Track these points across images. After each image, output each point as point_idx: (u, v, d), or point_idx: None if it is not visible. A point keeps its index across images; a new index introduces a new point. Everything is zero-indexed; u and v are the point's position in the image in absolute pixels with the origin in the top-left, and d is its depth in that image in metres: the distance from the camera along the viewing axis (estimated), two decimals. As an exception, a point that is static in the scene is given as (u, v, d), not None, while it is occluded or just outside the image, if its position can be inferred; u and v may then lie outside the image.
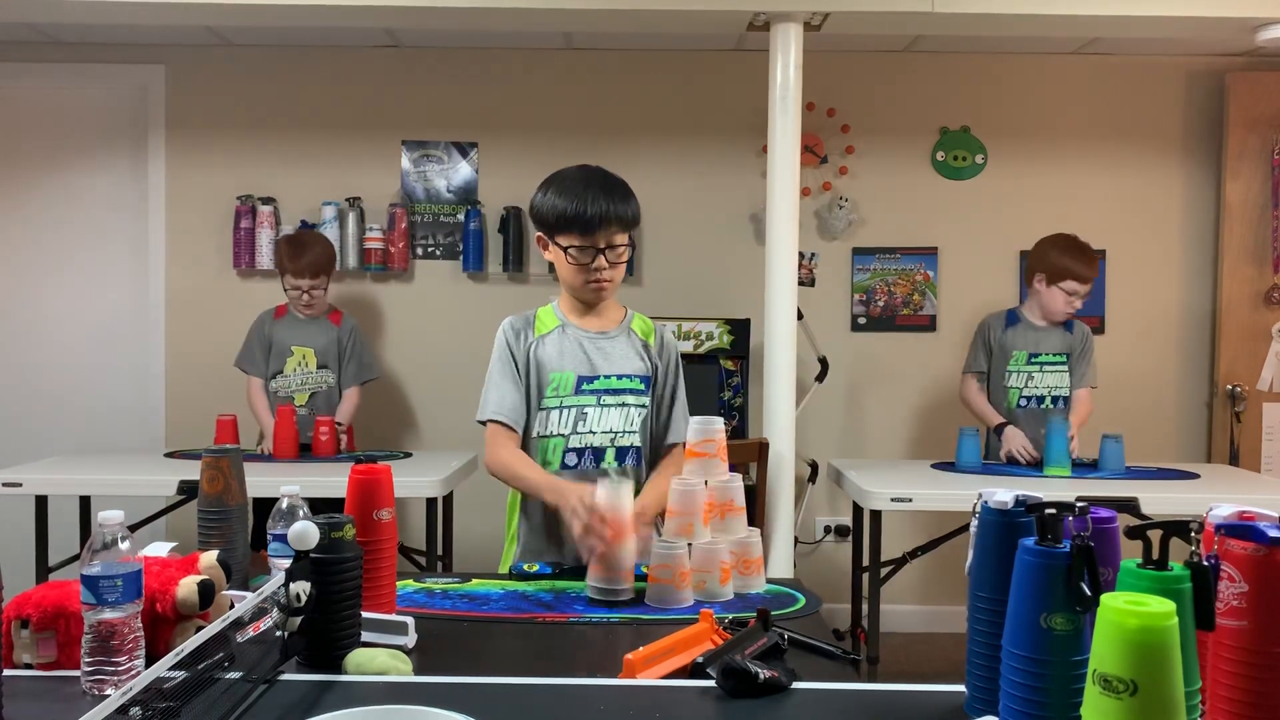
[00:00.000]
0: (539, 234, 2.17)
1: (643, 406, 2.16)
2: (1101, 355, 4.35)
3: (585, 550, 1.84)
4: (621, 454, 2.13)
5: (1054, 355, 3.75)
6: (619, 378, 2.14)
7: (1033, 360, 3.75)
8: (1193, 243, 4.54)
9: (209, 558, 1.54)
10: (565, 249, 2.11)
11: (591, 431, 2.11)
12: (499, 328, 2.20)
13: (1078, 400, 3.74)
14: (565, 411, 2.12)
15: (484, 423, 2.16)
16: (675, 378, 2.22)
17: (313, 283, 3.85)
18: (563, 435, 2.11)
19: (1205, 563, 1.11)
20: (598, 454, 2.11)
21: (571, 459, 2.10)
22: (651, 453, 2.20)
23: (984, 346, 3.84)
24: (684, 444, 2.08)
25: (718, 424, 1.96)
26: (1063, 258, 3.68)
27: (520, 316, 2.21)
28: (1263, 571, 1.09)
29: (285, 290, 3.93)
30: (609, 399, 2.13)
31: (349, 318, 4.05)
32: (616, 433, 2.12)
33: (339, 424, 3.76)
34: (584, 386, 2.13)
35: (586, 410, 2.12)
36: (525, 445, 2.14)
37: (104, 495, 3.35)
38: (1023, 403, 3.75)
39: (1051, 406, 3.73)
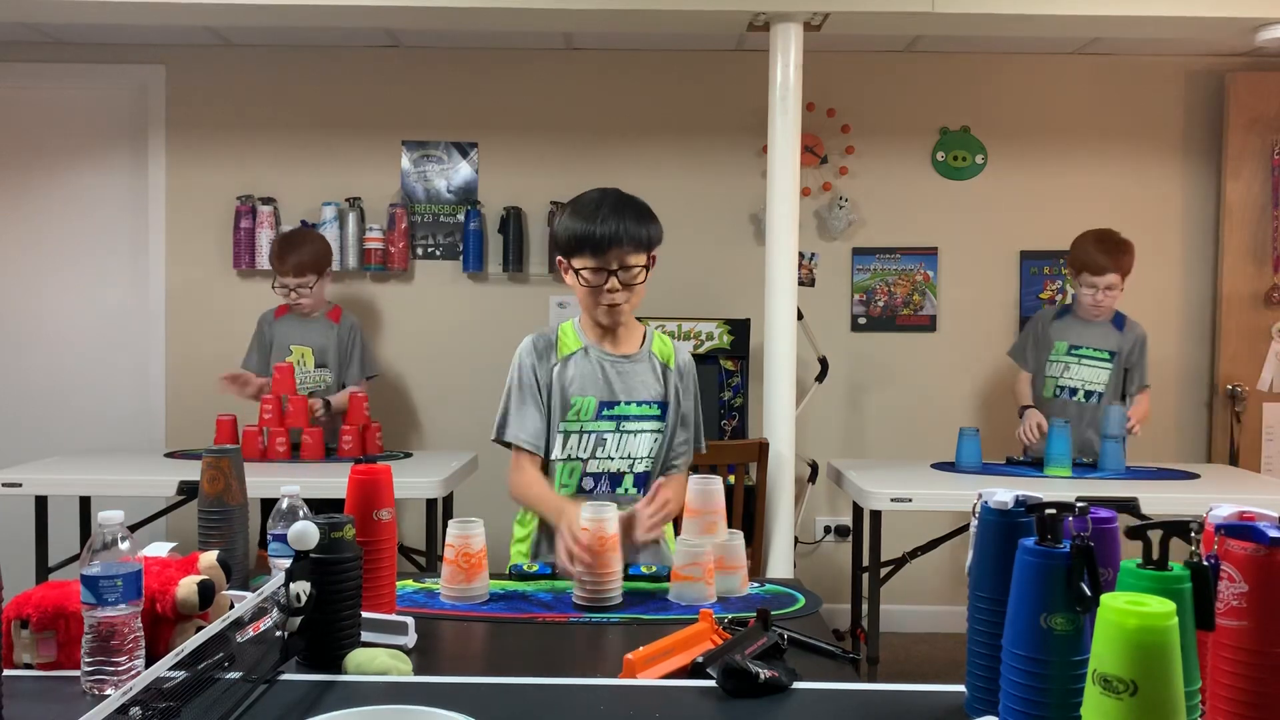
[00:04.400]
0: (559, 258, 2.15)
1: (659, 433, 2.17)
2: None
3: (569, 571, 1.87)
4: (640, 480, 2.14)
5: (1095, 350, 3.73)
6: (639, 404, 2.15)
7: (1072, 351, 3.74)
8: (1193, 243, 4.54)
9: (209, 558, 1.54)
10: (579, 271, 2.09)
11: (610, 457, 2.13)
12: (519, 347, 2.20)
13: (1136, 403, 3.71)
14: (586, 436, 2.13)
15: (502, 442, 2.17)
16: (690, 400, 2.22)
17: (298, 281, 3.81)
18: (581, 459, 2.12)
19: (1205, 563, 1.11)
20: (615, 479, 2.13)
21: (589, 483, 2.12)
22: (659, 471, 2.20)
23: (1031, 337, 3.85)
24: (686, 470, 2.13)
25: (715, 484, 1.96)
26: (1078, 249, 3.69)
27: (542, 337, 2.20)
28: (1263, 571, 1.09)
29: (273, 288, 3.90)
30: (629, 425, 2.14)
31: (349, 315, 4.02)
32: (635, 459, 2.14)
33: (323, 404, 3.73)
34: (604, 412, 2.13)
35: (606, 436, 2.13)
36: (544, 468, 2.16)
37: (104, 495, 3.35)
38: (1057, 391, 3.76)
39: (1084, 401, 3.71)
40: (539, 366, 2.16)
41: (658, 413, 2.17)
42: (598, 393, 2.14)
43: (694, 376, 2.25)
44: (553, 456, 2.15)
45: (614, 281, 2.08)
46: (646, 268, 2.12)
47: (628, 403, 2.14)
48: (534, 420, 2.14)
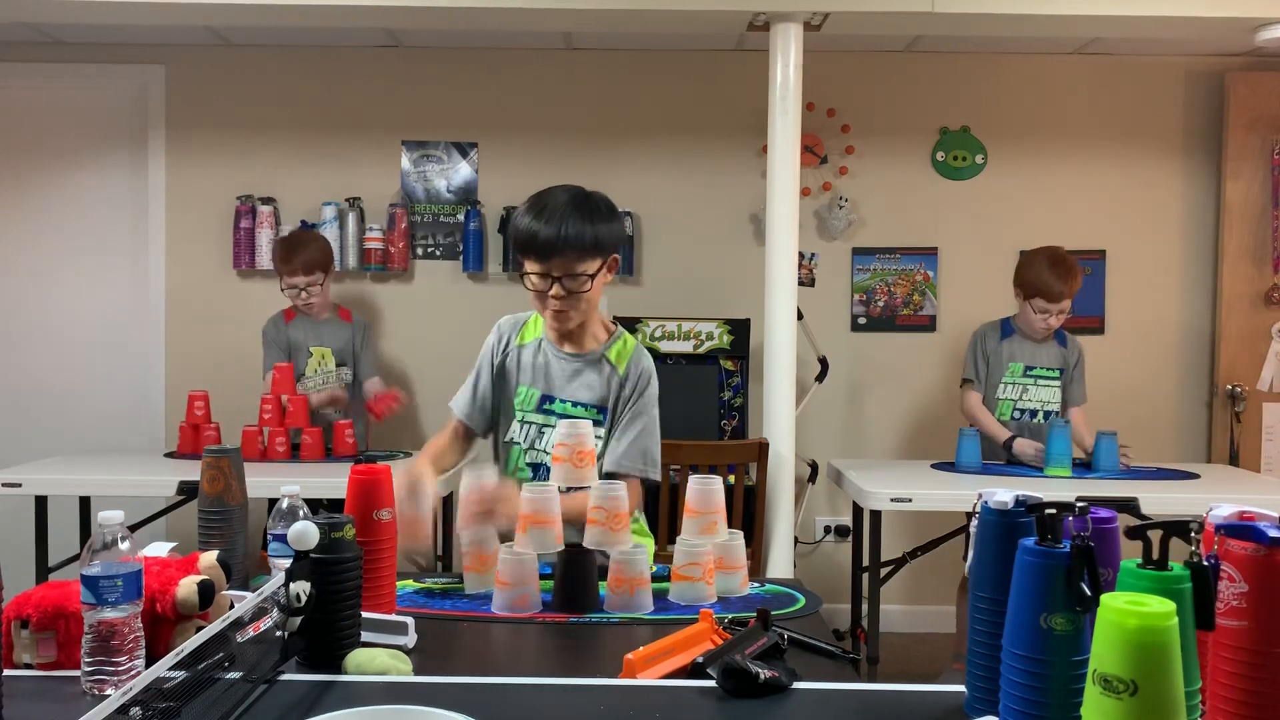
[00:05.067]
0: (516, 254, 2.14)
1: (598, 438, 2.11)
2: (1102, 355, 4.36)
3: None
4: None
5: (1048, 370, 3.72)
6: (574, 405, 2.13)
7: (1028, 373, 3.71)
8: (1193, 243, 4.54)
9: (209, 558, 1.54)
10: (525, 275, 2.06)
11: (545, 450, 2.11)
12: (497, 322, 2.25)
13: (1077, 418, 3.69)
14: (528, 426, 2.15)
15: None
16: (636, 405, 2.12)
17: (309, 279, 3.84)
18: (522, 446, 2.15)
19: (1205, 563, 1.11)
20: (548, 472, 2.09)
21: (528, 472, 2.14)
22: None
23: (981, 357, 3.77)
24: (627, 480, 1.99)
25: (715, 484, 1.89)
26: (1031, 274, 3.61)
27: (513, 319, 2.24)
28: (1263, 571, 1.09)
29: (282, 290, 3.90)
30: None
31: (357, 315, 4.13)
32: None
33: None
34: (544, 406, 2.14)
35: (544, 430, 2.13)
36: (498, 448, 2.22)
37: (104, 495, 3.35)
38: (1016, 414, 3.72)
39: (1043, 421, 3.68)
40: (497, 346, 2.20)
41: (595, 416, 2.12)
42: (540, 385, 2.15)
43: (649, 387, 2.14)
44: (504, 437, 2.19)
45: (557, 289, 2.02)
46: (595, 275, 2.03)
47: (564, 401, 2.14)
48: (477, 394, 2.18)
